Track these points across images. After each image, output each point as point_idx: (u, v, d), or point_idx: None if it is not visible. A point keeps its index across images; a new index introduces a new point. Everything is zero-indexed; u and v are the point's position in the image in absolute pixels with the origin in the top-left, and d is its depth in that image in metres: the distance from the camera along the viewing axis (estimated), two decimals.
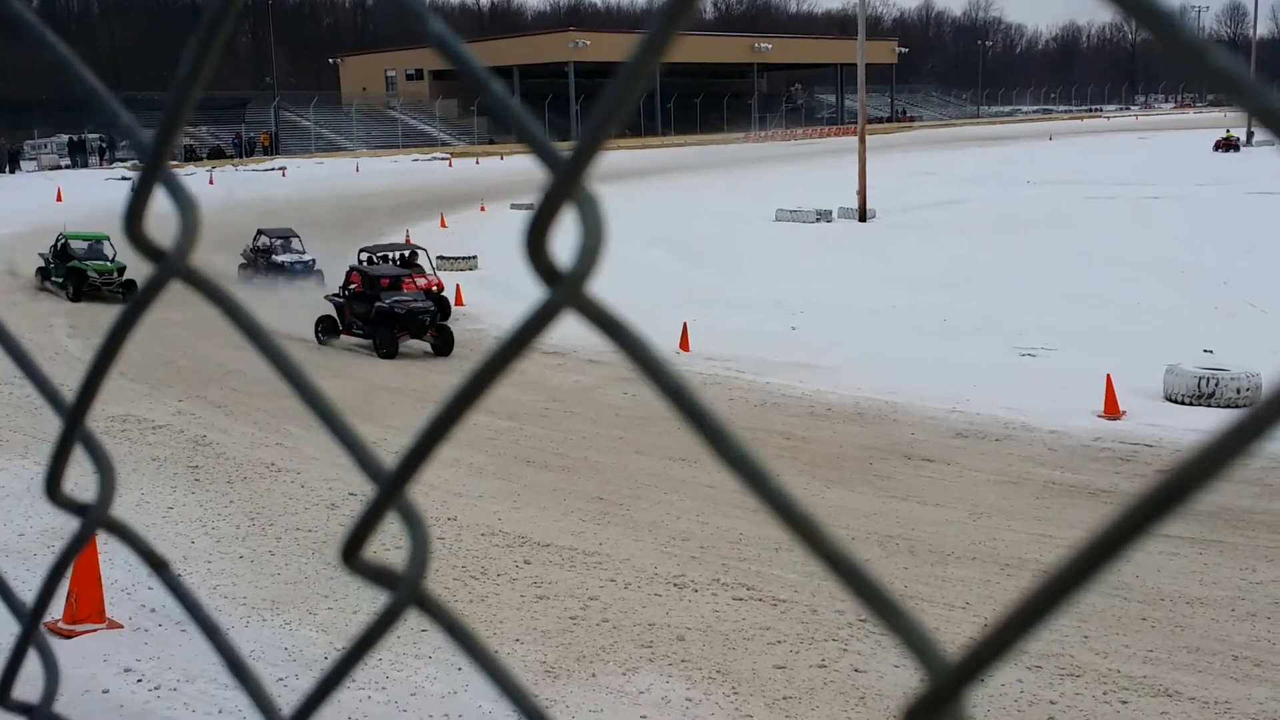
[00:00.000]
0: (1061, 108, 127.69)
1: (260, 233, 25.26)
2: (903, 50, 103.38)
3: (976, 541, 10.04)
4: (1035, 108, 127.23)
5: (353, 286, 19.24)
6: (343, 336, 18.92)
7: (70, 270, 23.39)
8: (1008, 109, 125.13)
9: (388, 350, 18.07)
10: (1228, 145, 60.52)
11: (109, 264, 23.56)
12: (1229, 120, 70.78)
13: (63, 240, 24.29)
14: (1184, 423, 13.31)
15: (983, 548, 9.90)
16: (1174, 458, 8.47)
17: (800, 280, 23.54)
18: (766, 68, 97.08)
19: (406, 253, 22.15)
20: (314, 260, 24.19)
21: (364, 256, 20.89)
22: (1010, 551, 9.81)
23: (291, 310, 18.98)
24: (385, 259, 21.36)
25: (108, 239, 24.03)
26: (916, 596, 8.81)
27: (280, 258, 24.24)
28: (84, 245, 24.20)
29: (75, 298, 22.93)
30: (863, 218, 35.08)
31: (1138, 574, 9.20)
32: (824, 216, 35.34)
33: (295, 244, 24.81)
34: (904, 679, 7.41)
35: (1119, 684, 7.40)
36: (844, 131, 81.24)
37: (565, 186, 0.52)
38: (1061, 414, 13.78)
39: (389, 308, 18.32)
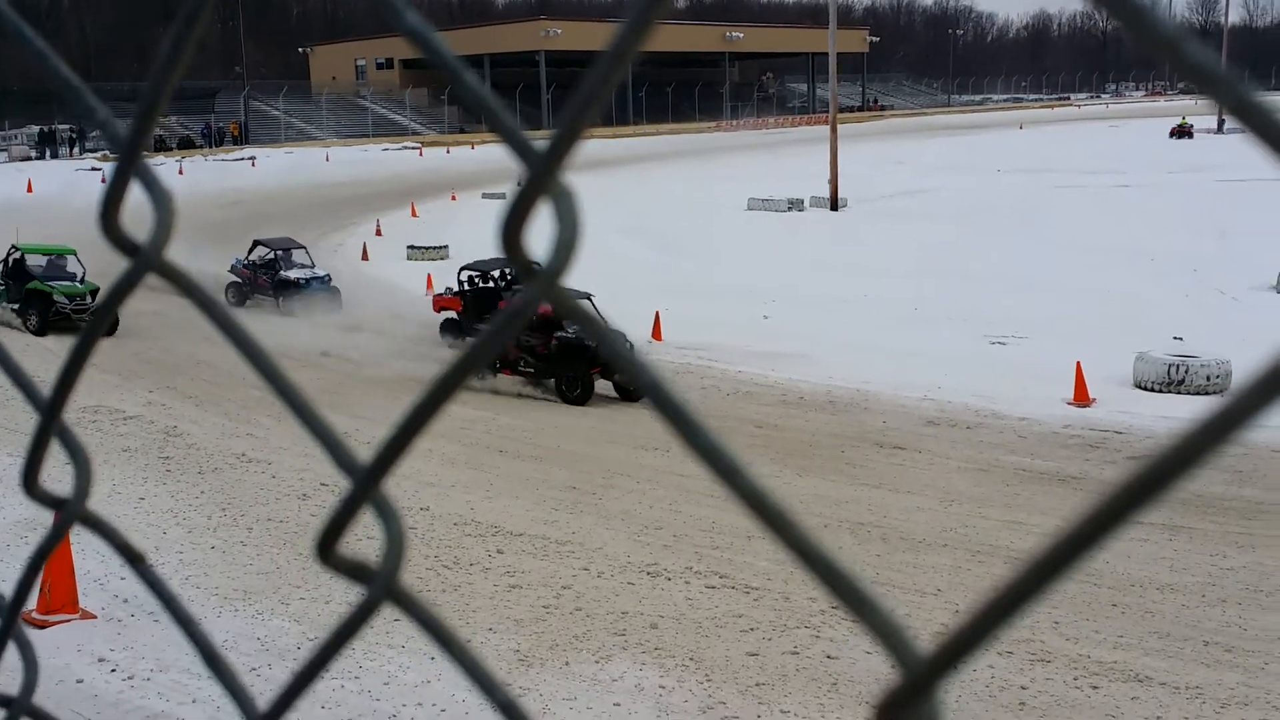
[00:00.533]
0: (1032, 96, 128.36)
1: (258, 243, 21.48)
2: (874, 39, 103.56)
3: (947, 528, 10.11)
4: (1006, 96, 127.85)
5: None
6: (502, 375, 15.27)
7: (31, 294, 18.86)
8: (978, 98, 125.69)
9: (582, 393, 14.71)
10: (1181, 132, 61.52)
11: (78, 285, 19.03)
12: (1200, 109, 71.31)
13: (16, 254, 19.67)
14: (1153, 410, 13.45)
15: (954, 534, 9.97)
16: (1145, 445, 8.54)
17: (772, 269, 23.58)
18: (738, 57, 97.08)
19: (511, 271, 19.51)
20: (329, 275, 20.84)
21: (466, 275, 17.70)
22: (981, 538, 9.88)
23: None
24: (486, 276, 17.80)
25: (74, 253, 19.36)
26: (889, 583, 8.86)
27: (292, 273, 20.62)
28: (43, 261, 19.71)
29: (40, 330, 18.50)
30: (834, 206, 35.16)
31: (1108, 560, 9.28)
32: (796, 205, 35.39)
33: (301, 256, 21.26)
34: (876, 665, 7.46)
35: (1089, 669, 7.48)
36: (815, 120, 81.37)
37: (541, 181, 0.52)
38: (1032, 401, 13.88)
39: (578, 340, 14.96)
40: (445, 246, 26.89)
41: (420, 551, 9.38)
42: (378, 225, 31.14)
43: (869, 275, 22.39)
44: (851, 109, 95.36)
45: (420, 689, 7.22)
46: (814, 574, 0.51)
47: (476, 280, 17.68)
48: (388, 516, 0.64)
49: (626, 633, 8.13)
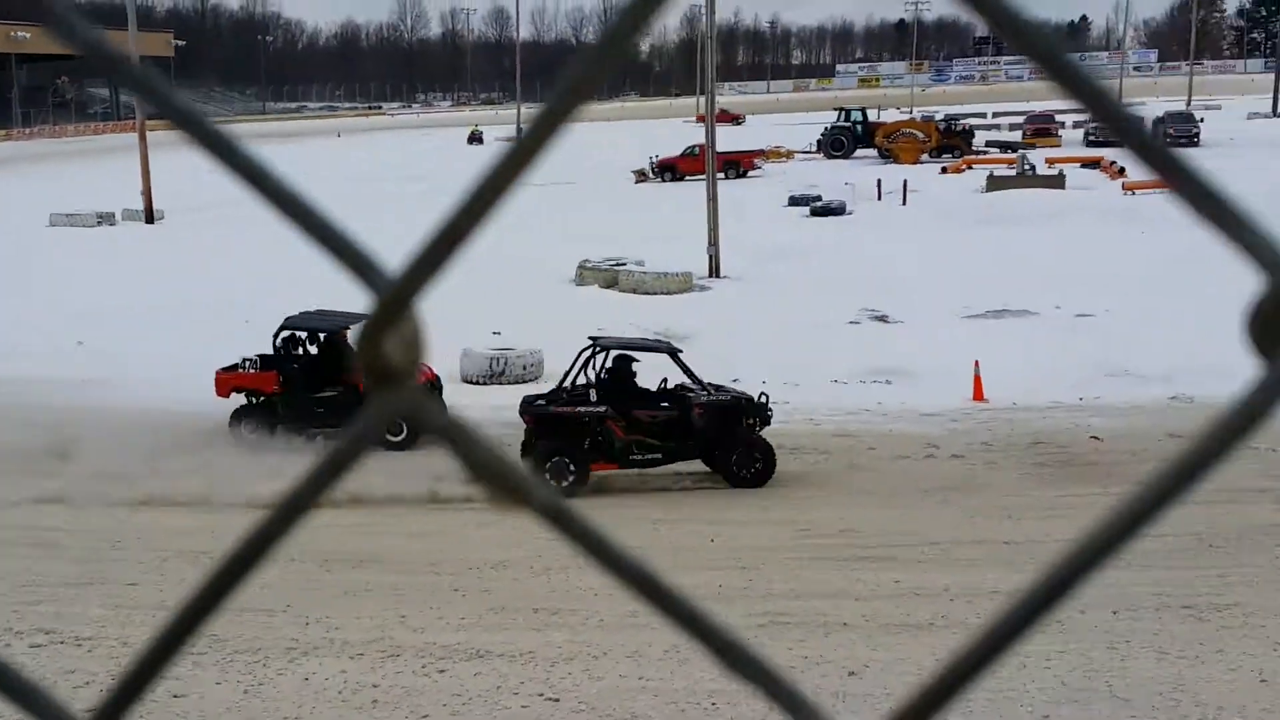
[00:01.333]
0: (347, 105, 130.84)
1: None
2: (179, 43, 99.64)
3: (300, 541, 10.02)
4: (321, 105, 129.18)
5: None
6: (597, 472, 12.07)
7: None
8: (294, 106, 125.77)
9: (764, 467, 11.97)
10: (474, 139, 67.92)
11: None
12: (498, 117, 77.15)
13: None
14: (480, 401, 14.34)
15: (306, 547, 9.91)
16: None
17: (85, 289, 21.82)
18: (26, 59, 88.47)
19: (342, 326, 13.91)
20: None
21: (285, 337, 13.87)
22: (333, 547, 9.92)
23: None
24: (316, 338, 14.17)
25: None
26: (237, 607, 8.60)
27: None
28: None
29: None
30: (150, 219, 33.38)
31: (448, 549, 9.78)
32: (106, 219, 33.15)
33: None
34: (226, 695, 7.22)
35: (436, 655, 7.80)
36: (122, 128, 76.53)
37: None
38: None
39: (732, 401, 12.30)
40: None
41: None
42: None
43: (194, 287, 21.53)
44: (162, 116, 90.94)
45: None
46: None
47: (300, 344, 13.80)
48: None
49: None
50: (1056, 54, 0.43)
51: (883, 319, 19.52)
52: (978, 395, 14.72)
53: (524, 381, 15.50)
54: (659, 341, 12.97)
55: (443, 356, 15.63)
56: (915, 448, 13.05)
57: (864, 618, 8.30)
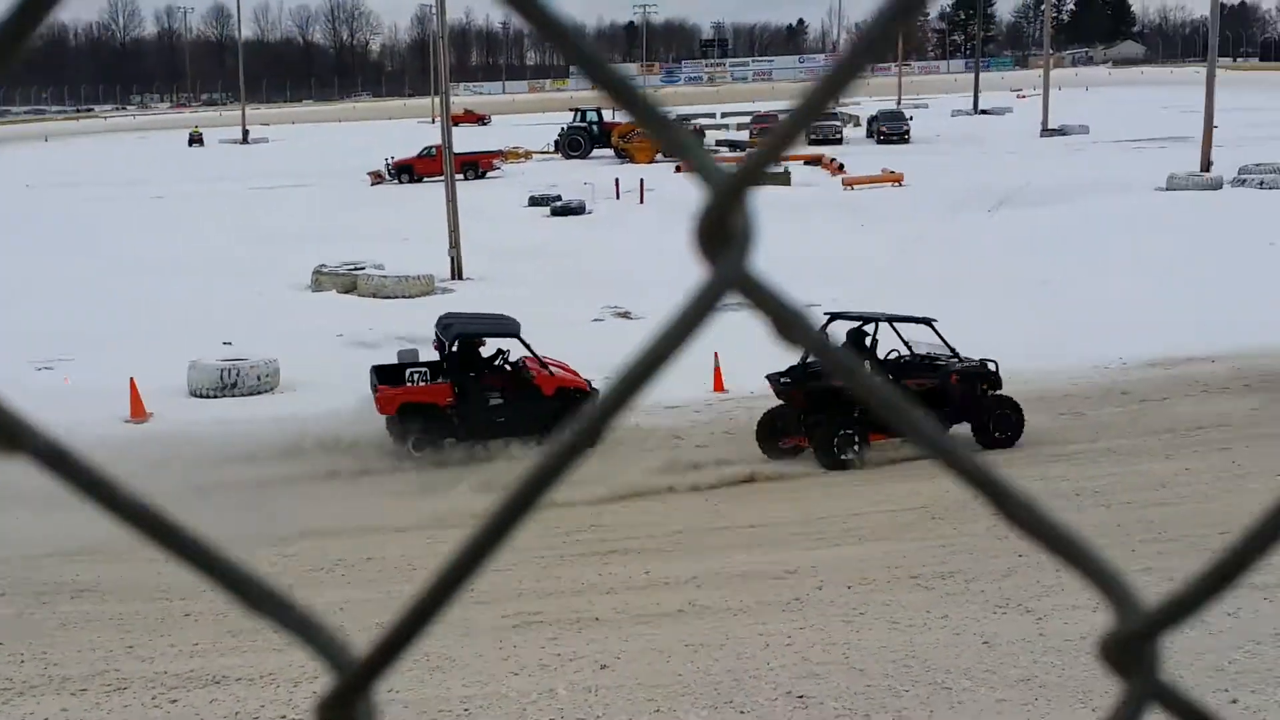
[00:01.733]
0: (55, 108, 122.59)
1: None
2: None
3: (10, 575, 9.29)
4: (27, 108, 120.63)
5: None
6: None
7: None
8: None
9: (1019, 424, 12.58)
10: (194, 140, 64.28)
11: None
12: (222, 119, 74.07)
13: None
14: (211, 415, 13.68)
15: (19, 580, 9.19)
16: (233, 449, 8.45)
17: None
18: None
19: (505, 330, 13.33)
20: None
21: (448, 335, 12.95)
22: (48, 578, 9.24)
23: None
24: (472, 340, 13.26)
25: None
26: None
27: None
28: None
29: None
30: None
31: (179, 572, 9.23)
32: None
33: None
34: None
35: (167, 685, 7.36)
36: None
37: None
38: (88, 424, 13.22)
39: (980, 366, 12.69)
40: None
41: None
42: None
43: None
44: None
45: None
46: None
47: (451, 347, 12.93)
48: None
49: None
50: (595, 58, 0.50)
51: (625, 315, 19.78)
52: (718, 386, 15.10)
53: (259, 393, 14.84)
54: (874, 314, 13.35)
55: (168, 369, 14.83)
56: (660, 439, 13.25)
57: (615, 610, 8.37)
